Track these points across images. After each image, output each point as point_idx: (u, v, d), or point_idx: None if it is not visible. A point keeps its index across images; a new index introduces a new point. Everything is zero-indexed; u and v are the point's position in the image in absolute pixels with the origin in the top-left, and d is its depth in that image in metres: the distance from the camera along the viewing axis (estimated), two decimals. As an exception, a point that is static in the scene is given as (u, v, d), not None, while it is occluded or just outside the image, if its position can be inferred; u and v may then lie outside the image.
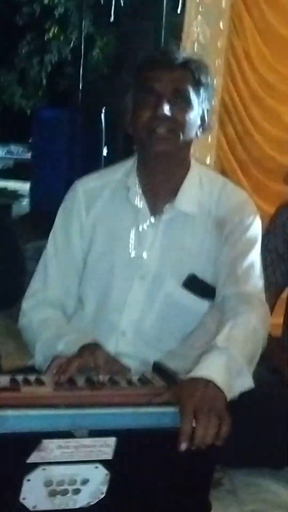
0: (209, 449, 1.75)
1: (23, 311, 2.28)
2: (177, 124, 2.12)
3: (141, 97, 2.13)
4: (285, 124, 4.29)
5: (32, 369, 2.06)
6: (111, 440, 1.71)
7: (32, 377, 1.89)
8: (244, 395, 1.91)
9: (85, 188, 2.30)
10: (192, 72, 2.15)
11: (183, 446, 1.70)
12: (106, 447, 1.72)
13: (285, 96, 4.27)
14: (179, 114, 2.11)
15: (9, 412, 1.67)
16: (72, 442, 1.69)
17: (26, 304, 2.28)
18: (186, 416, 1.71)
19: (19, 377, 1.89)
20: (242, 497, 2.09)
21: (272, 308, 2.53)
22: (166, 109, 2.10)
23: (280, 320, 2.71)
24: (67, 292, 2.28)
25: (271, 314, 2.50)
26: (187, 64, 2.15)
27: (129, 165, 2.29)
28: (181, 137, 2.13)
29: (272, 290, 2.51)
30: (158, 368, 2.01)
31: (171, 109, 2.10)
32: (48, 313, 2.24)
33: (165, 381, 1.92)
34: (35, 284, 2.30)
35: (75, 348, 2.02)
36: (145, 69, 2.15)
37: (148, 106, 2.11)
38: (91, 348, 2.01)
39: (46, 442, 1.67)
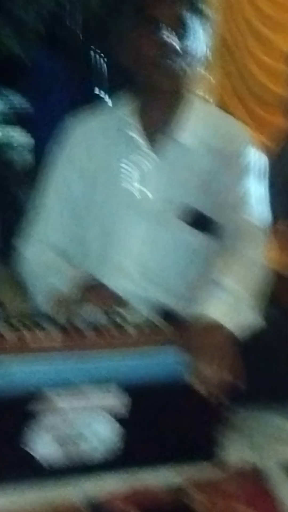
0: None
1: (24, 257, 2.27)
2: (178, 52, 2.09)
3: (142, 27, 2.10)
4: (280, 52, 4.20)
5: (37, 315, 2.05)
6: (120, 392, 1.74)
7: (38, 326, 1.88)
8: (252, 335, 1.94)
9: (81, 127, 2.27)
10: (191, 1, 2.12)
11: (200, 389, 1.74)
12: (114, 398, 1.74)
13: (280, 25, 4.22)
14: (181, 42, 2.09)
15: (15, 364, 1.69)
16: (79, 394, 1.72)
17: (28, 249, 2.27)
18: (200, 361, 1.76)
19: (24, 325, 1.88)
20: (249, 431, 2.10)
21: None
22: (168, 36, 2.07)
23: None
24: (69, 236, 2.27)
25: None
26: None
27: (126, 102, 2.26)
28: (182, 65, 2.11)
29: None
30: (167, 313, 2.01)
31: (172, 36, 2.08)
32: (50, 257, 2.23)
33: (175, 326, 1.91)
34: (35, 230, 2.29)
35: (80, 288, 2.04)
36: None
37: (151, 36, 2.09)
38: (97, 289, 2.05)
39: (52, 394, 1.70)
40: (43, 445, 1.72)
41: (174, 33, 2.09)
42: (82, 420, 1.73)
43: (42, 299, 2.16)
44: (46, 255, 2.25)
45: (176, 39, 2.09)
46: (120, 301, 2.07)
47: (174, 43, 2.08)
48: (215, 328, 1.83)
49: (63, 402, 1.71)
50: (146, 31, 2.09)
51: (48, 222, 2.28)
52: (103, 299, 2.04)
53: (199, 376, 1.75)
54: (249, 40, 4.21)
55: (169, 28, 2.08)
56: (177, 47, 2.09)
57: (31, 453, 1.72)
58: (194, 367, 1.76)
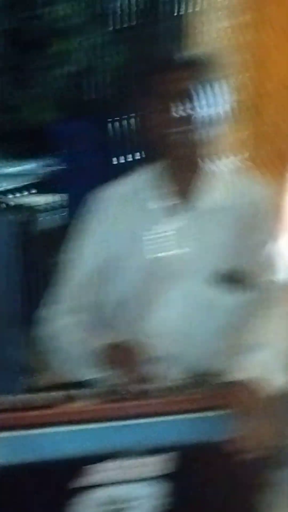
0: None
1: (45, 319, 2.23)
2: (192, 124, 2.11)
3: (155, 101, 2.12)
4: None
5: (70, 385, 2.04)
6: (166, 457, 1.70)
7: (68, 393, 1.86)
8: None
9: (107, 194, 2.27)
10: (203, 69, 2.15)
11: (242, 451, 1.69)
12: (160, 463, 1.70)
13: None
14: (193, 114, 2.11)
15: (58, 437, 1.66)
16: (125, 462, 1.68)
17: (49, 312, 2.24)
18: (240, 417, 1.71)
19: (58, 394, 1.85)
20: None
21: None
22: (182, 110, 2.09)
23: None
24: (93, 300, 2.24)
25: None
26: (194, 62, 2.16)
27: (146, 171, 2.26)
28: (197, 137, 2.12)
29: None
30: (197, 371, 1.99)
31: (185, 110, 2.09)
32: (71, 319, 2.20)
33: (206, 384, 1.88)
34: (58, 293, 2.26)
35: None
36: (157, 72, 2.14)
37: (164, 109, 2.10)
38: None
39: (100, 465, 1.67)
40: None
41: (187, 104, 2.10)
42: (126, 492, 1.69)
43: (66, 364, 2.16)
44: (67, 317, 2.22)
45: (190, 109, 2.11)
46: (149, 359, 2.03)
47: (188, 115, 2.10)
48: (257, 388, 1.79)
49: (109, 471, 1.67)
50: (159, 107, 2.11)
51: (71, 287, 2.25)
52: (130, 357, 2.01)
53: (244, 437, 1.71)
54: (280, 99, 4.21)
55: (182, 101, 2.10)
56: (192, 118, 2.11)
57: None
58: (239, 429, 1.72)
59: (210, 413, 1.77)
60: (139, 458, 1.68)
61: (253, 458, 1.72)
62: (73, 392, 1.87)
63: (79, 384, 2.01)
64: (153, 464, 1.69)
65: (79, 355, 2.13)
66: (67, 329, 2.20)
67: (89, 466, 1.65)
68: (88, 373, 2.09)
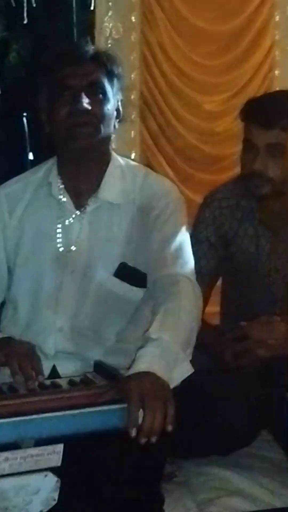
0: (159, 441, 1.73)
1: None
2: (95, 117, 2.13)
3: (56, 94, 2.13)
4: (205, 113, 4.31)
5: None
6: (59, 447, 1.70)
7: None
8: (186, 385, 1.92)
9: (6, 191, 2.29)
10: (104, 64, 2.17)
11: (133, 433, 1.70)
12: (54, 454, 1.70)
13: (202, 85, 4.29)
14: (96, 107, 2.13)
15: None
16: (19, 453, 1.67)
17: None
18: (133, 404, 1.72)
19: None
20: (193, 487, 2.10)
21: (207, 298, 2.54)
22: (83, 103, 2.10)
23: (216, 309, 2.73)
24: None
25: (206, 304, 2.52)
26: (97, 56, 2.18)
27: (50, 163, 2.30)
28: (100, 130, 2.14)
29: (206, 280, 2.52)
30: (99, 366, 2.01)
31: (87, 103, 2.11)
32: None
33: (108, 379, 1.92)
34: None
35: None
36: (57, 66, 2.15)
37: (65, 102, 2.12)
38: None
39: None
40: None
41: (89, 97, 2.12)
42: (23, 480, 1.70)
43: None
44: None
45: (92, 102, 2.12)
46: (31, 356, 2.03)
47: (90, 107, 2.12)
48: (146, 374, 1.81)
49: (3, 463, 1.67)
50: (61, 98, 2.13)
51: None
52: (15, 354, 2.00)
53: (133, 422, 1.72)
54: (172, 99, 4.28)
55: (85, 94, 2.12)
56: (92, 111, 2.12)
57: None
58: (129, 414, 1.73)
59: (106, 407, 1.76)
60: (33, 450, 1.69)
61: (144, 442, 1.73)
62: None
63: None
64: (49, 456, 1.70)
65: None
66: None
67: None
68: None
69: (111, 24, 4.15)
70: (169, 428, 1.73)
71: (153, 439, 1.72)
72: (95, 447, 1.74)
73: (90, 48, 2.19)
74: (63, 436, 1.70)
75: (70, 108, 2.11)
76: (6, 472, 1.67)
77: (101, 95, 2.14)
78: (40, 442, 1.69)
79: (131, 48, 4.20)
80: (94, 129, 2.13)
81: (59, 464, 1.71)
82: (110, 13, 4.15)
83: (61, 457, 1.70)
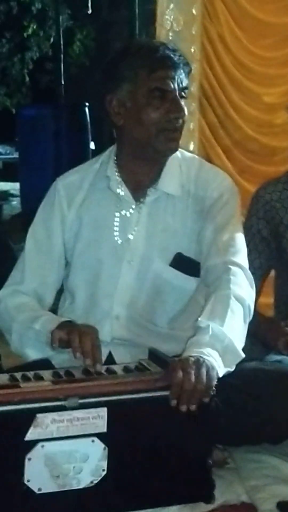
0: (203, 418, 1.80)
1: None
2: (183, 121, 2.20)
3: (150, 95, 2.16)
4: (264, 105, 4.31)
5: (31, 366, 2.10)
6: (103, 411, 1.78)
7: (31, 373, 1.95)
8: (238, 373, 1.98)
9: (64, 182, 2.35)
10: (189, 69, 2.21)
11: (173, 402, 1.78)
12: (98, 418, 1.78)
13: (262, 77, 4.29)
14: (185, 111, 2.20)
15: (8, 407, 1.73)
16: (65, 414, 1.75)
17: (2, 292, 2.34)
18: (175, 374, 1.80)
19: (18, 374, 1.95)
20: (244, 473, 2.13)
21: (260, 290, 2.56)
22: (183, 110, 2.17)
23: (270, 300, 2.75)
24: (44, 285, 2.33)
25: (259, 295, 2.54)
26: (186, 61, 2.21)
27: (106, 155, 2.34)
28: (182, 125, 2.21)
29: (259, 273, 2.54)
30: (153, 354, 2.07)
31: (183, 107, 2.18)
32: (23, 299, 2.30)
33: (161, 366, 1.97)
34: (13, 277, 2.36)
35: (51, 327, 2.09)
36: (155, 67, 2.16)
37: (160, 104, 2.16)
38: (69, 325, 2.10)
39: (40, 417, 1.74)
40: (34, 472, 1.76)
41: (181, 101, 2.17)
42: (71, 444, 1.78)
43: (16, 341, 2.24)
44: (19, 297, 2.31)
45: (183, 106, 2.18)
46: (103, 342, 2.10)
47: (178, 108, 2.16)
48: (194, 358, 1.87)
49: (50, 425, 1.75)
50: (155, 101, 2.16)
51: (25, 271, 2.34)
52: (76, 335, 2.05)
53: (175, 391, 1.79)
54: (231, 91, 4.28)
55: (180, 100, 2.17)
56: (180, 111, 2.18)
57: (26, 483, 1.76)
58: (171, 382, 1.80)
59: (159, 393, 1.84)
60: (78, 412, 1.77)
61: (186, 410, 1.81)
62: (31, 373, 1.95)
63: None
64: (94, 420, 1.78)
65: (21, 335, 2.23)
66: (10, 310, 2.29)
67: (34, 419, 1.74)
68: (32, 354, 2.21)
69: (172, 17, 4.17)
70: (206, 399, 1.80)
71: (192, 407, 1.79)
72: (140, 417, 1.82)
73: (179, 52, 2.22)
74: (107, 401, 1.78)
75: (168, 112, 2.16)
76: (54, 435, 1.75)
77: (186, 99, 2.20)
78: (84, 405, 1.77)
79: (191, 41, 4.21)
80: (181, 131, 2.21)
81: (104, 429, 1.78)
82: (171, 6, 4.17)
83: (106, 422, 1.78)
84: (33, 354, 2.23)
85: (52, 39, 13.82)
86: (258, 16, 4.27)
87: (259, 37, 4.30)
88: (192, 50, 4.21)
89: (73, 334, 2.02)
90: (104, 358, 2.12)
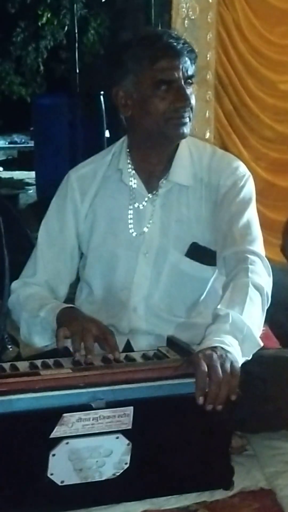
0: (225, 411, 1.80)
1: (12, 289, 2.34)
2: (191, 109, 2.17)
3: (154, 86, 2.14)
4: (280, 92, 4.30)
5: (51, 354, 2.11)
6: (129, 410, 1.78)
7: (50, 361, 1.96)
8: (258, 361, 1.99)
9: (77, 174, 2.34)
10: (195, 56, 2.19)
11: (200, 401, 1.77)
12: (124, 416, 1.78)
13: (278, 65, 4.28)
14: (192, 100, 2.17)
15: (30, 395, 1.74)
16: (91, 414, 1.76)
17: (15, 283, 2.35)
18: (200, 373, 1.78)
19: (38, 362, 1.96)
20: (262, 460, 2.14)
21: None
22: (190, 100, 2.15)
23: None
24: (57, 277, 2.34)
25: None
26: (191, 49, 2.18)
27: (117, 147, 2.33)
28: (191, 118, 2.19)
29: None
30: (172, 342, 2.07)
31: (189, 96, 2.15)
32: (34, 289, 2.30)
33: (180, 354, 1.98)
34: (26, 269, 2.36)
35: (54, 314, 2.11)
36: (156, 57, 2.14)
37: (165, 95, 2.14)
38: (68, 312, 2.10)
39: (67, 416, 1.74)
40: (58, 466, 1.77)
41: (188, 90, 2.15)
42: (96, 441, 1.79)
43: (24, 329, 2.26)
44: (31, 288, 2.32)
45: (190, 94, 2.16)
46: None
47: (184, 98, 2.14)
48: (216, 349, 1.86)
49: (76, 423, 1.75)
50: (159, 91, 2.14)
51: (38, 263, 2.34)
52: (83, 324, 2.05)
53: (201, 390, 1.78)
54: (247, 79, 4.27)
55: (186, 89, 2.15)
56: (192, 102, 2.16)
57: (49, 476, 1.78)
58: (196, 383, 1.79)
59: (178, 380, 1.84)
60: (105, 411, 1.77)
61: (215, 414, 1.80)
62: (50, 360, 1.97)
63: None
64: (119, 418, 1.78)
65: (28, 323, 2.24)
66: (20, 300, 2.29)
67: (60, 418, 1.74)
68: (40, 341, 2.23)
69: (188, 5, 4.17)
70: (233, 397, 1.80)
71: (219, 407, 1.79)
72: (163, 413, 1.81)
73: (183, 40, 2.19)
74: (133, 400, 1.78)
75: (174, 102, 2.14)
76: (79, 432, 1.76)
77: (192, 87, 2.18)
78: (111, 405, 1.77)
79: (207, 28, 4.20)
80: (190, 120, 2.18)
81: (130, 426, 1.79)
82: (187, -7, 4.17)
83: (131, 420, 1.78)
84: (40, 341, 2.24)
85: (66, 28, 13.78)
86: (273, 3, 4.26)
87: (275, 24, 4.30)
88: (208, 37, 4.20)
89: (76, 335, 2.02)
90: (122, 347, 2.14)
